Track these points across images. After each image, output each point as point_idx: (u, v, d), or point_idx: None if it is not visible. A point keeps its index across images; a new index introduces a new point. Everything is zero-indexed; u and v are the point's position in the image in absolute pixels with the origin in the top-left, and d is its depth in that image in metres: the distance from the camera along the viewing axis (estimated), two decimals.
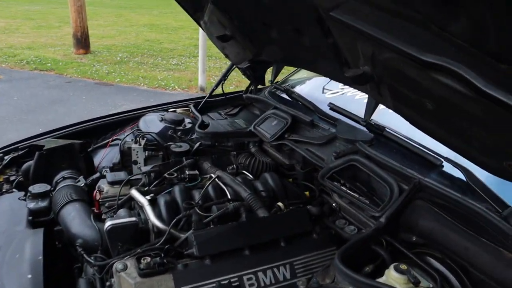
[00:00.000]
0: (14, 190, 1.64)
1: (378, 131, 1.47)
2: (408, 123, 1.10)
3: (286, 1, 1.14)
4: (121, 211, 1.33)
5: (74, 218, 1.35)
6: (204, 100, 2.29)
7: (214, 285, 1.10)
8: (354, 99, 1.80)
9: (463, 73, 0.75)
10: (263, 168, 1.69)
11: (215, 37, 1.89)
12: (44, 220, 1.45)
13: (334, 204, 1.45)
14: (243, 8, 1.49)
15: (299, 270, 1.21)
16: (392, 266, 1.07)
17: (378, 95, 1.08)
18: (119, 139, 1.99)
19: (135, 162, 1.79)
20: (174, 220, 1.23)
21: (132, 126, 2.11)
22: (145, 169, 1.57)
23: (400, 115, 1.09)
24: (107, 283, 1.14)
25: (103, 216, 1.40)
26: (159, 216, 1.30)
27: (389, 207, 1.20)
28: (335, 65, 1.19)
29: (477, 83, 0.73)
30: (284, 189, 1.50)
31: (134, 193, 1.40)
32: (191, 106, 2.25)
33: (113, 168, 1.78)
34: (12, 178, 1.73)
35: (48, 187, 1.53)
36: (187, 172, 1.55)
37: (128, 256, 1.14)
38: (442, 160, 1.27)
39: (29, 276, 1.10)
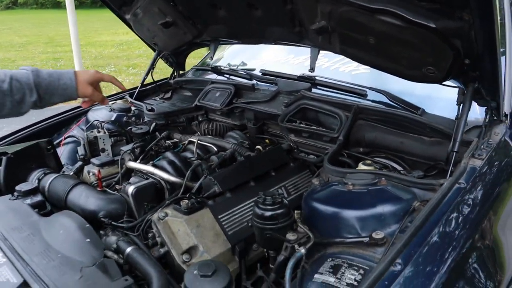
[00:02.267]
0: None
1: (311, 80, 1.86)
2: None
3: None
4: (133, 179, 1.45)
5: (88, 197, 1.41)
6: (137, 90, 2.39)
7: (240, 211, 1.34)
8: (278, 64, 2.16)
9: (398, 12, 1.15)
10: (224, 130, 1.94)
11: (149, 26, 2.04)
12: (44, 213, 1.46)
13: (291, 144, 1.79)
14: None
15: (291, 189, 1.52)
16: (360, 163, 1.47)
17: (328, 44, 1.45)
18: (72, 136, 2.00)
19: (103, 150, 1.85)
20: (188, 172, 1.42)
21: (79, 123, 2.11)
22: (125, 148, 1.68)
23: (345, 55, 1.48)
24: (149, 235, 1.28)
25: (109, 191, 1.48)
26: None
27: (342, 128, 1.58)
28: (288, 29, 1.52)
29: (408, 16, 1.14)
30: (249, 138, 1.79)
31: (136, 164, 1.52)
32: (127, 97, 2.33)
33: (81, 159, 1.81)
34: None
35: (35, 184, 1.52)
36: (168, 142, 1.71)
37: (162, 207, 1.30)
38: (366, 89, 1.71)
39: (88, 240, 1.17)
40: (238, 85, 2.03)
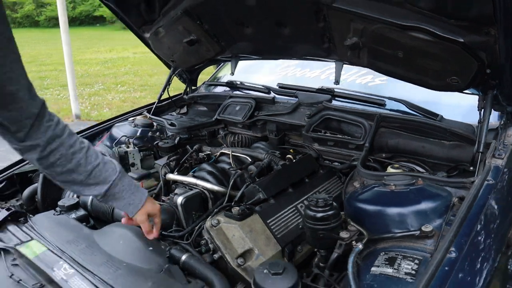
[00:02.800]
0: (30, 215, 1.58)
1: (330, 92, 1.97)
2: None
3: (282, 1, 1.52)
4: (178, 190, 1.51)
5: None
6: (155, 105, 2.45)
7: (284, 215, 1.41)
8: (294, 78, 2.27)
9: (429, 28, 1.28)
10: (249, 142, 2.02)
11: (170, 44, 2.12)
12: (89, 226, 1.49)
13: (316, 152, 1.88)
14: (219, 14, 1.79)
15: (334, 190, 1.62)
16: (389, 167, 1.57)
17: (356, 58, 1.56)
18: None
19: (133, 165, 1.90)
20: (231, 181, 1.49)
21: (102, 139, 2.15)
22: (161, 162, 1.73)
23: (373, 69, 1.60)
24: (202, 242, 1.33)
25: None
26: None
27: (367, 136, 1.69)
28: (316, 45, 1.64)
29: (438, 32, 1.27)
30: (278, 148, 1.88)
31: (177, 176, 1.58)
32: (145, 112, 2.39)
33: None
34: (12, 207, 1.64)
35: (76, 199, 1.56)
36: (202, 154, 1.78)
37: (212, 215, 1.36)
38: (384, 99, 1.84)
39: (150, 248, 1.22)
40: (258, 99, 2.12)
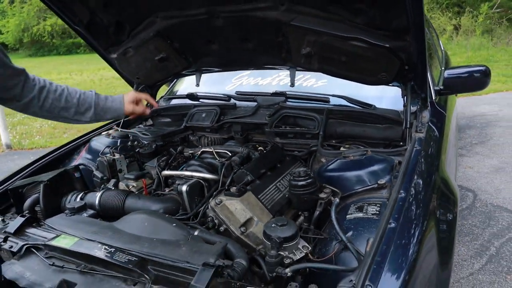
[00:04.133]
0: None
1: (283, 95, 2.37)
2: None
3: (247, 21, 1.88)
4: (179, 181, 1.77)
5: (144, 201, 1.68)
6: (122, 120, 2.64)
7: (269, 192, 1.75)
8: (249, 86, 2.65)
9: (363, 38, 1.74)
10: (220, 142, 2.34)
11: (138, 62, 2.36)
12: None
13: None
14: (189, 33, 2.09)
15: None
16: (341, 148, 2.01)
17: (308, 64, 1.98)
18: (82, 164, 2.19)
19: (120, 171, 2.09)
20: (223, 168, 1.79)
21: (82, 152, 2.29)
22: (152, 163, 1.97)
23: (321, 72, 2.03)
24: (208, 219, 1.61)
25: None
26: None
27: (320, 126, 2.11)
28: (275, 55, 2.03)
29: (371, 40, 1.74)
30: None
31: (172, 172, 1.84)
32: (115, 127, 2.57)
33: (102, 181, 2.04)
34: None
35: (83, 202, 1.73)
36: (185, 154, 2.05)
37: (213, 197, 1.66)
38: (328, 96, 2.28)
39: (174, 224, 1.47)
40: (222, 105, 2.45)
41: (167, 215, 1.54)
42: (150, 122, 2.75)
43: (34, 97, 1.59)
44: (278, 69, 2.27)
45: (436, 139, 1.97)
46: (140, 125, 2.71)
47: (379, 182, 1.58)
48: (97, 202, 1.74)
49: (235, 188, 1.65)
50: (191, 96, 2.69)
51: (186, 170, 1.87)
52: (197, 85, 2.45)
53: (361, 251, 1.30)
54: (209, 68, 2.44)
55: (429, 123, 2.01)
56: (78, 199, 1.82)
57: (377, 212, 1.48)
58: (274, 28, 1.86)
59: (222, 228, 1.60)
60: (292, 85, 2.18)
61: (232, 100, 2.51)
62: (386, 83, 1.96)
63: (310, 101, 2.32)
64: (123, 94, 1.92)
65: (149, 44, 2.21)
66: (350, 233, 1.41)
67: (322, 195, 1.61)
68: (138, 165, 2.18)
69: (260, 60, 2.17)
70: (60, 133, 6.68)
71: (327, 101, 2.29)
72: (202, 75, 2.66)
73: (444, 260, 1.38)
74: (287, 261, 1.34)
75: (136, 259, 1.29)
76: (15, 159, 5.52)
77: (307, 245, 1.41)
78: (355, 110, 2.15)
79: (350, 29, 1.75)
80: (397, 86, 2.02)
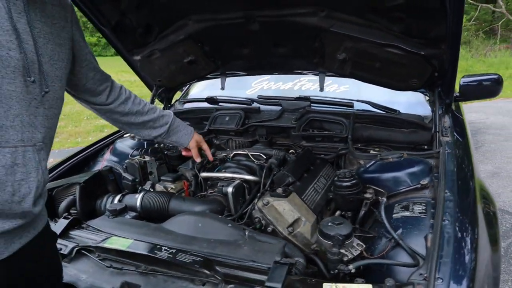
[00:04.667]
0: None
1: (308, 99, 2.43)
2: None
3: (283, 26, 1.92)
4: (221, 183, 1.78)
5: (189, 202, 1.68)
6: None
7: (309, 193, 1.79)
8: (267, 91, 2.68)
9: (399, 45, 1.81)
10: (247, 145, 2.36)
11: (162, 65, 2.36)
12: None
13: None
14: (221, 37, 2.12)
15: (326, 177, 2.04)
16: (371, 151, 2.07)
17: (341, 69, 2.04)
18: (108, 166, 2.16)
19: (151, 173, 2.08)
20: (265, 170, 1.82)
21: (106, 156, 2.26)
22: (186, 166, 1.98)
23: (352, 77, 2.09)
24: (255, 220, 1.63)
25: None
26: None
27: (349, 129, 2.17)
28: (307, 60, 2.08)
29: (407, 47, 1.81)
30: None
31: (211, 174, 1.85)
32: None
33: (134, 183, 2.02)
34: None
35: (123, 204, 1.71)
36: (219, 156, 2.06)
37: (258, 198, 1.68)
38: (352, 101, 2.35)
39: (229, 224, 1.48)
40: (246, 109, 2.47)
41: (219, 216, 1.55)
42: None
43: (119, 105, 1.59)
44: (305, 74, 2.33)
45: (461, 143, 2.06)
46: None
47: (421, 182, 1.64)
48: (138, 204, 1.73)
49: (280, 189, 1.68)
50: (210, 99, 2.70)
51: (225, 172, 1.88)
52: (222, 88, 2.47)
53: (413, 248, 1.36)
54: (235, 72, 2.46)
55: (450, 128, 2.11)
56: (116, 201, 1.80)
57: (424, 211, 1.53)
58: (311, 33, 1.91)
59: (269, 229, 1.62)
60: (322, 89, 2.23)
61: (255, 104, 2.53)
62: (416, 89, 2.05)
63: (334, 106, 2.38)
64: (194, 130, 1.92)
65: (177, 46, 2.22)
66: (399, 231, 1.47)
67: (368, 195, 1.66)
68: (166, 167, 2.18)
69: (290, 65, 2.21)
70: None
71: (351, 106, 2.35)
72: (205, 79, 2.68)
73: (495, 255, 1.45)
74: (345, 258, 1.38)
75: (201, 259, 1.30)
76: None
77: (361, 243, 1.46)
78: (381, 115, 2.23)
79: (387, 37, 1.82)
80: (422, 92, 2.10)
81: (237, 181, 1.77)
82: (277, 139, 2.43)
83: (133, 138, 2.35)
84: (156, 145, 2.29)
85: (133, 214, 1.68)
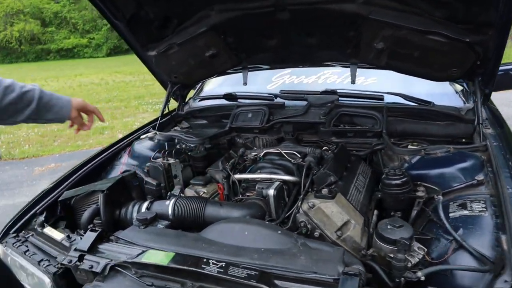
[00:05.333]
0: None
1: (334, 93, 2.30)
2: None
3: (316, 15, 1.78)
4: (260, 185, 1.64)
5: (228, 208, 1.54)
6: (158, 122, 2.46)
7: (352, 192, 1.66)
8: (290, 85, 2.55)
9: (443, 32, 1.69)
10: (274, 143, 2.22)
11: (179, 60, 2.21)
12: None
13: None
14: (247, 28, 1.97)
15: (363, 173, 1.91)
16: (409, 145, 1.95)
17: (376, 60, 1.91)
18: (128, 170, 2.01)
19: (175, 176, 1.94)
20: (304, 170, 1.68)
21: (124, 160, 2.11)
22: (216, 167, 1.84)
23: (387, 68, 1.96)
24: (301, 224, 1.50)
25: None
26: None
27: (383, 123, 2.05)
28: (339, 51, 1.95)
29: (450, 34, 1.69)
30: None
31: (246, 176, 1.72)
32: (151, 129, 2.40)
33: (158, 188, 1.88)
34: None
35: (153, 212, 1.56)
36: (249, 156, 1.92)
37: (302, 200, 1.55)
38: (383, 94, 2.23)
39: (279, 231, 1.35)
40: (270, 105, 2.33)
41: (266, 222, 1.42)
42: (185, 124, 2.59)
43: None
44: (334, 66, 2.19)
45: (504, 134, 1.96)
46: (175, 128, 2.54)
47: (477, 178, 1.52)
48: (170, 211, 1.59)
49: (326, 189, 1.55)
50: (229, 96, 2.56)
51: (261, 172, 1.74)
52: (245, 83, 2.33)
53: (479, 250, 1.24)
54: (258, 66, 2.32)
55: (488, 119, 2.00)
56: (144, 209, 1.65)
57: (484, 209, 1.42)
58: (348, 21, 1.78)
59: (316, 233, 1.49)
60: (353, 82, 2.10)
61: (278, 99, 2.40)
62: (455, 79, 1.93)
63: (363, 99, 2.25)
64: (71, 98, 1.60)
65: (198, 39, 2.07)
66: (460, 232, 1.35)
67: (420, 193, 1.53)
68: (191, 170, 2.03)
69: (320, 57, 2.08)
70: (50, 141, 6.30)
71: (381, 99, 2.23)
72: (234, 74, 2.54)
73: None
74: (409, 264, 1.26)
75: (256, 273, 1.16)
76: (7, 170, 5.11)
77: (422, 246, 1.34)
78: (415, 107, 2.11)
79: (429, 23, 1.69)
80: (459, 82, 1.99)
81: (277, 183, 1.63)
82: (304, 135, 2.30)
83: (151, 139, 2.20)
84: (178, 146, 2.14)
85: (165, 223, 1.54)
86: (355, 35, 1.85)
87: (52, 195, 1.77)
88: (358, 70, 2.35)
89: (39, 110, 1.45)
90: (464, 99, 2.21)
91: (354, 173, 1.82)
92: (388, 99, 2.24)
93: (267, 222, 1.41)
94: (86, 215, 1.62)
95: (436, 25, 1.69)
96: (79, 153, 5.43)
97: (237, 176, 1.75)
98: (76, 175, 1.92)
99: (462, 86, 2.10)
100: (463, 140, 2.00)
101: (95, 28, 28.99)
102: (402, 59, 1.88)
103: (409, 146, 1.93)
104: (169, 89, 2.50)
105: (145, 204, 1.65)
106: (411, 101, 2.17)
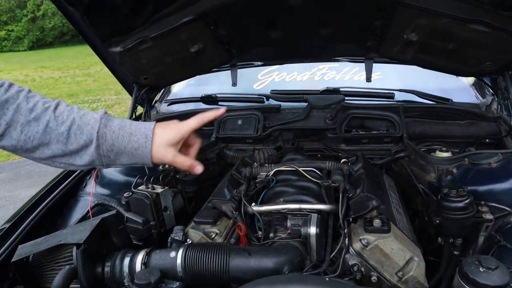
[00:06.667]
0: None
1: (337, 92, 1.97)
2: None
3: (342, 1, 1.43)
4: (292, 221, 1.25)
5: (257, 257, 1.13)
6: None
7: (397, 216, 1.36)
8: (280, 83, 2.17)
9: (487, 20, 1.43)
10: (276, 155, 1.85)
11: (151, 57, 1.74)
12: None
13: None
14: (246, 16, 1.56)
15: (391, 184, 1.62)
16: (437, 151, 1.68)
17: (402, 54, 1.61)
18: (100, 204, 1.53)
19: (166, 208, 1.49)
20: (342, 196, 1.33)
21: (92, 186, 1.60)
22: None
23: (414, 63, 1.67)
24: (353, 268, 1.17)
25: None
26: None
27: (402, 126, 1.77)
28: (357, 44, 1.61)
29: (495, 24, 1.43)
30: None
31: (271, 207, 1.33)
32: None
33: (146, 227, 1.43)
34: None
35: (158, 273, 1.12)
36: (260, 178, 1.53)
37: (348, 236, 1.21)
38: (393, 92, 1.95)
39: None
40: (263, 109, 1.95)
41: (321, 275, 1.05)
42: None
43: None
44: (342, 61, 1.86)
45: None
46: None
47: None
48: (180, 266, 1.15)
49: (378, 220, 1.22)
50: (208, 98, 2.12)
51: (285, 201, 1.36)
52: (234, 84, 1.92)
53: None
54: (250, 63, 1.91)
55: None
56: (138, 263, 1.19)
57: None
58: (376, 8, 1.46)
59: (374, 278, 1.17)
60: (369, 80, 1.79)
61: (271, 101, 2.02)
62: (487, 74, 1.70)
63: (371, 98, 1.96)
64: (156, 123, 1.05)
65: (180, 31, 1.62)
66: None
67: (488, 216, 1.26)
68: (182, 198, 1.60)
69: (332, 51, 1.73)
70: None
71: (392, 97, 1.95)
72: (210, 73, 2.12)
73: None
74: None
75: None
76: None
77: None
78: (432, 106, 1.86)
79: (474, 10, 1.42)
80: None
81: (314, 216, 1.26)
82: (304, 143, 1.96)
83: None
84: (160, 167, 1.68)
85: (176, 285, 1.10)
86: (382, 24, 1.53)
87: (3, 251, 1.24)
88: (358, 64, 2.06)
89: (102, 155, 0.98)
90: (477, 94, 2.01)
91: (385, 190, 1.52)
92: (398, 97, 1.97)
93: (326, 278, 1.04)
94: (58, 281, 1.12)
95: (481, 13, 1.42)
96: (9, 164, 4.62)
97: (258, 208, 1.35)
98: (31, 217, 1.40)
99: (482, 81, 1.88)
100: (487, 141, 1.78)
101: (14, 19, 26.01)
102: (432, 52, 1.60)
103: (438, 152, 1.67)
104: (135, 93, 2.00)
105: (140, 257, 1.19)
106: (427, 98, 1.91)
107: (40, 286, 1.24)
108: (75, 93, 9.10)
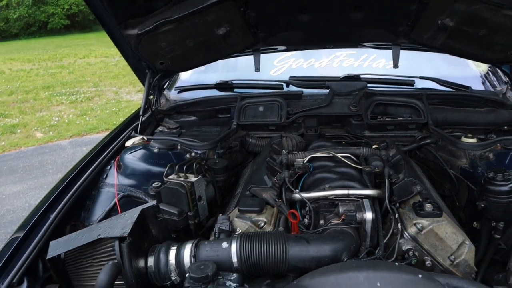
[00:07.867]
0: None
1: (358, 79, 1.94)
2: None
3: None
4: (343, 206, 1.21)
5: (314, 245, 1.09)
6: (139, 124, 1.86)
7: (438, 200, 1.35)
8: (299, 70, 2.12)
9: None
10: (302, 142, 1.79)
11: (172, 40, 1.65)
12: None
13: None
14: (278, 1, 1.50)
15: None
16: (463, 137, 1.68)
17: (432, 40, 1.59)
18: (128, 196, 1.44)
19: (200, 198, 1.42)
20: (387, 181, 1.30)
21: (115, 176, 1.50)
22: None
23: (441, 49, 1.65)
24: (409, 253, 1.14)
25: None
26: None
27: (426, 113, 1.76)
28: (388, 30, 1.58)
29: None
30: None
31: (318, 193, 1.29)
32: (133, 133, 1.80)
33: (184, 217, 1.35)
34: None
35: (212, 264, 1.05)
36: (296, 164, 1.47)
37: (401, 221, 1.19)
38: (414, 79, 1.94)
39: (420, 275, 0.95)
40: (285, 95, 1.90)
41: (397, 263, 1.02)
42: (171, 123, 2.02)
43: None
44: (368, 47, 1.83)
45: None
46: (160, 128, 1.96)
47: None
48: (235, 256, 1.09)
49: (429, 205, 1.20)
50: (224, 85, 2.04)
51: (331, 187, 1.32)
52: (257, 69, 1.85)
53: None
54: (273, 47, 1.85)
55: None
56: (187, 255, 1.12)
57: None
58: None
59: (428, 263, 1.15)
60: (396, 66, 1.77)
61: (291, 87, 1.97)
62: (510, 61, 1.71)
63: (392, 85, 1.94)
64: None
65: (207, 12, 1.53)
66: None
67: None
68: (213, 187, 1.53)
69: (362, 36, 1.70)
70: None
71: (412, 85, 1.94)
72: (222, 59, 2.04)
73: None
74: None
75: None
76: None
77: None
78: (452, 93, 1.87)
79: None
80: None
81: (366, 201, 1.23)
82: (326, 130, 1.92)
83: (145, 147, 1.61)
84: (187, 156, 1.59)
85: (234, 276, 1.04)
86: (417, 9, 1.50)
87: (29, 250, 1.14)
88: (376, 51, 2.04)
89: None
90: (493, 82, 2.03)
91: (419, 176, 1.51)
92: (418, 84, 1.96)
93: (402, 265, 1.01)
94: (104, 278, 1.03)
95: None
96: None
97: (306, 194, 1.30)
98: (55, 212, 1.29)
99: (501, 69, 1.90)
100: (505, 127, 1.81)
101: None
102: (462, 39, 1.60)
103: (464, 138, 1.67)
104: (149, 79, 1.90)
105: (187, 249, 1.13)
106: (447, 85, 1.92)
107: (75, 284, 1.15)
108: (51, 85, 8.67)
